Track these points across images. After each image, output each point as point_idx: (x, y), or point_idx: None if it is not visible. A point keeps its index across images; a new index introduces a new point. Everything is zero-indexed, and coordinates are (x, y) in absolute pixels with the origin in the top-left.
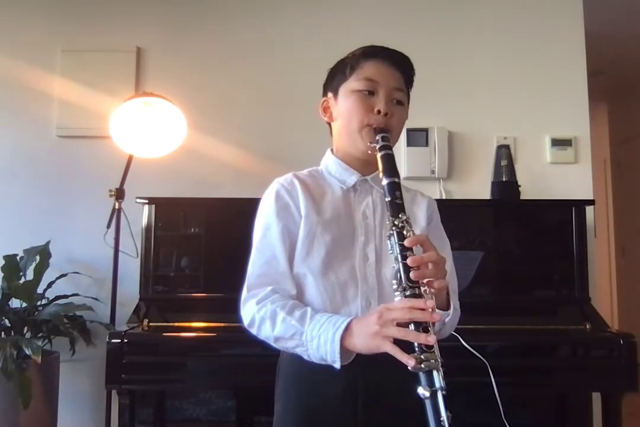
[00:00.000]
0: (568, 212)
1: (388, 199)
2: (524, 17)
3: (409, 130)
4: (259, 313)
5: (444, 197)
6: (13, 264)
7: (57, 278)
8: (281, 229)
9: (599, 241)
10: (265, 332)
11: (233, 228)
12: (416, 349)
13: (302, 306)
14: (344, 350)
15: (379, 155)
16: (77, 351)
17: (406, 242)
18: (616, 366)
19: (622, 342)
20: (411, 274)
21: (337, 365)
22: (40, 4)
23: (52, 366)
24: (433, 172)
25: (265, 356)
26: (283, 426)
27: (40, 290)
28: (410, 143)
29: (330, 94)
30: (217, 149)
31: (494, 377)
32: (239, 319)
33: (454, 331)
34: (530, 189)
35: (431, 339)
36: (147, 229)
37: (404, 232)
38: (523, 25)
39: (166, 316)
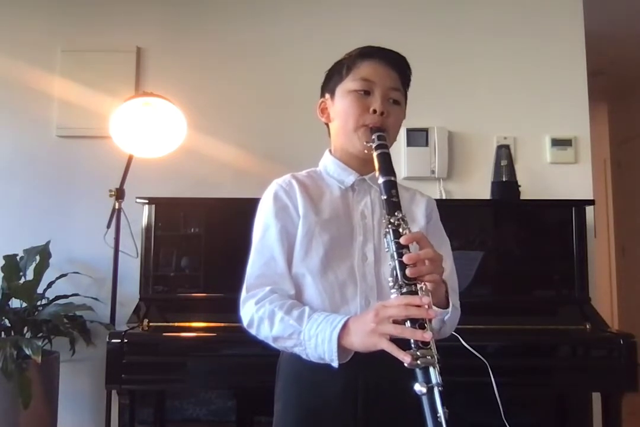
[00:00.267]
0: (568, 212)
1: (384, 197)
2: (524, 17)
3: (409, 130)
4: (257, 313)
5: (444, 197)
6: (13, 264)
7: (57, 278)
8: (279, 230)
9: (599, 241)
10: (264, 332)
11: (233, 228)
12: (412, 345)
13: (300, 306)
14: (341, 348)
15: (375, 154)
16: (77, 351)
17: (402, 240)
18: (616, 366)
19: (622, 342)
20: (407, 271)
21: (335, 364)
22: (40, 4)
23: (52, 366)
24: (433, 172)
25: (265, 356)
26: (283, 426)
27: (40, 290)
28: (410, 143)
29: (327, 95)
30: (217, 149)
31: (494, 377)
32: (239, 319)
33: (454, 331)
34: (530, 189)
35: (427, 336)
36: (147, 229)
37: (400, 230)
38: (523, 25)
39: (166, 316)
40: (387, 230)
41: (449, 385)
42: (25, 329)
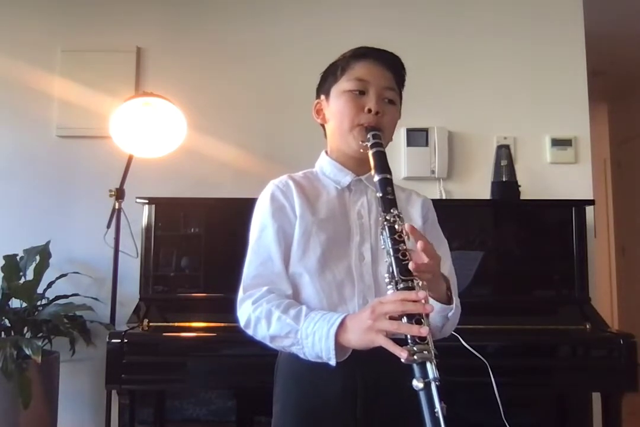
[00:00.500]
0: (568, 212)
1: (380, 194)
2: (524, 17)
3: (409, 130)
4: (254, 313)
5: (444, 197)
6: (13, 264)
7: (57, 278)
8: (276, 230)
9: (599, 241)
10: (261, 331)
11: (233, 228)
12: (409, 341)
13: (297, 305)
14: (339, 346)
15: (370, 152)
16: (77, 351)
17: (406, 226)
18: (616, 366)
19: (622, 342)
20: (410, 265)
21: (333, 362)
22: (40, 4)
23: (52, 366)
24: (433, 172)
25: (265, 356)
26: (282, 426)
27: (40, 290)
28: (410, 143)
29: (322, 96)
30: (217, 149)
31: (494, 377)
32: (238, 319)
33: (454, 331)
34: (530, 189)
35: (424, 331)
36: (147, 229)
37: (396, 226)
38: (523, 25)
39: (166, 316)
40: (383, 227)
41: (449, 385)
42: (25, 329)
